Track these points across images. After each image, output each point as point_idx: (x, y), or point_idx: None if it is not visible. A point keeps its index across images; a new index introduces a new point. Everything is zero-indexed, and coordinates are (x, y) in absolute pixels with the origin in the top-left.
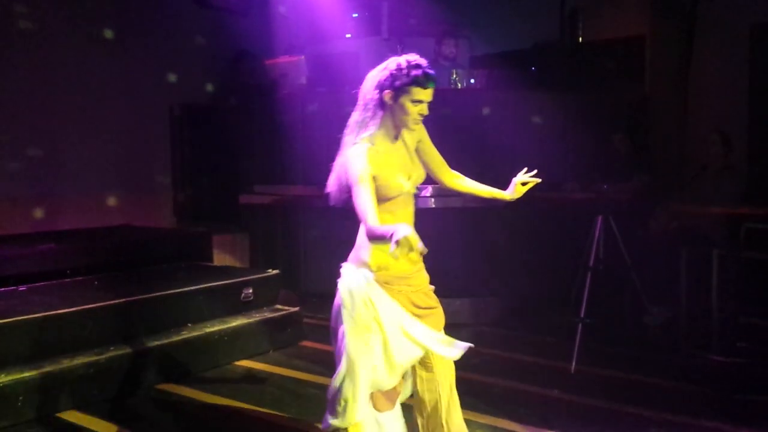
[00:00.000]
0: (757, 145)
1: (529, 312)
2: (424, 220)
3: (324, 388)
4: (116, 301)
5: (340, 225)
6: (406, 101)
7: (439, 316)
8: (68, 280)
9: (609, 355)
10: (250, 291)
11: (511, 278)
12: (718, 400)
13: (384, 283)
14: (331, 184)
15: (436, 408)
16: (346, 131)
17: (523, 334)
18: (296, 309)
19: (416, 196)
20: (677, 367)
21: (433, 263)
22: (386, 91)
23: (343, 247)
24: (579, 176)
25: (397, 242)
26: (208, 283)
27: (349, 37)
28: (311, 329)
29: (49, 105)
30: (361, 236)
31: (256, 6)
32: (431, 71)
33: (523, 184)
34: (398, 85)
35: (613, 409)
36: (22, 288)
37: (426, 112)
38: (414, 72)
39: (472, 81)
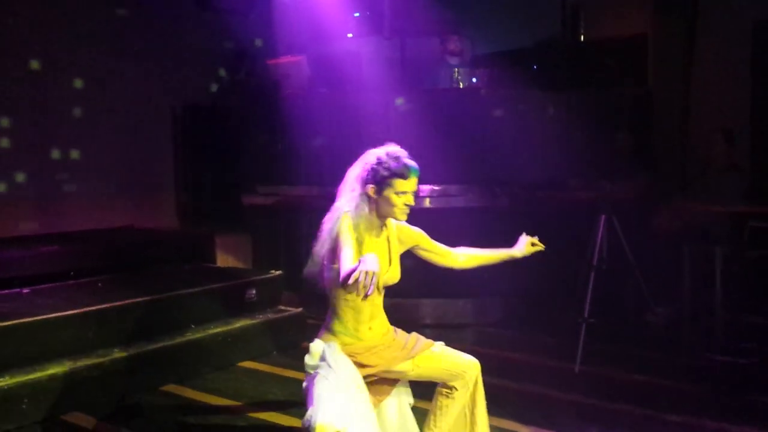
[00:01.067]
0: (761, 142)
1: (532, 312)
2: (424, 221)
3: None
4: (120, 302)
5: None
6: (390, 193)
7: (413, 343)
8: (72, 281)
9: (613, 355)
10: (253, 292)
11: (514, 278)
12: (721, 400)
13: (353, 354)
14: (319, 253)
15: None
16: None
17: (526, 334)
18: (299, 310)
19: (386, 292)
20: (681, 367)
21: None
22: (369, 186)
23: None
24: (581, 175)
25: (357, 278)
26: (211, 285)
27: (350, 37)
28: (314, 330)
29: (52, 107)
30: (328, 316)
31: (257, 6)
32: (412, 162)
33: (533, 244)
34: (380, 179)
35: (617, 409)
36: (26, 290)
37: (412, 202)
38: (394, 164)
39: (474, 80)
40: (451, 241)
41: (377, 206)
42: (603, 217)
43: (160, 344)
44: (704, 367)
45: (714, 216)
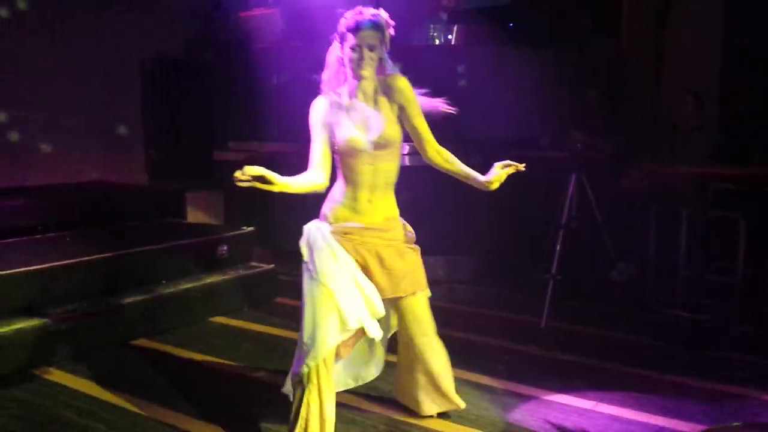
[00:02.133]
0: (728, 106)
1: (502, 269)
2: (399, 179)
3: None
4: (89, 257)
5: None
6: (346, 48)
7: (403, 280)
8: (39, 236)
9: (578, 311)
10: (225, 248)
11: (485, 236)
12: (681, 355)
13: (344, 234)
14: None
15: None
16: None
17: (495, 290)
18: (271, 266)
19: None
20: (643, 323)
21: (407, 221)
22: (336, 44)
23: (317, 204)
24: (554, 133)
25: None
26: (181, 240)
27: None
28: (286, 286)
29: (16, 57)
30: (331, 191)
31: None
32: (367, 16)
33: (506, 166)
34: (341, 36)
35: (581, 363)
36: None
37: (363, 56)
38: (349, 20)
39: (450, 37)
40: (425, 199)
41: (345, 64)
42: (573, 176)
43: (130, 299)
44: (666, 323)
45: (680, 177)
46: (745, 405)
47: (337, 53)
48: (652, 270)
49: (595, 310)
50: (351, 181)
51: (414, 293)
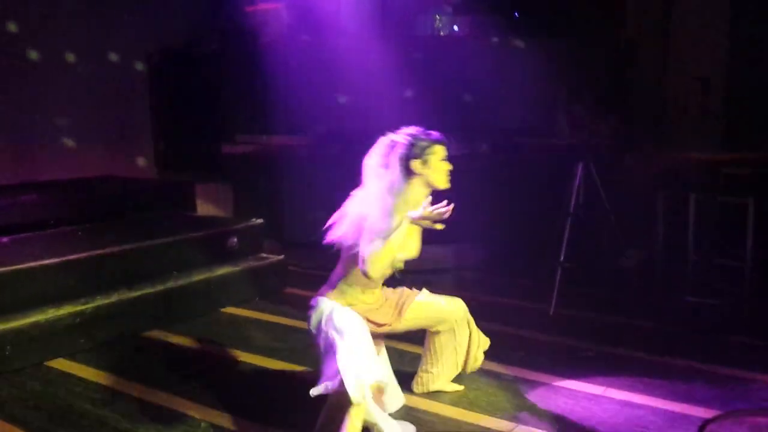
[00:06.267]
0: (736, 90)
1: (510, 257)
2: None
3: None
4: (101, 251)
5: (322, 174)
6: (436, 161)
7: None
8: (52, 230)
9: (587, 298)
10: (235, 240)
11: (493, 224)
12: (691, 340)
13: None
14: (345, 231)
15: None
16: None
17: (503, 278)
18: (281, 257)
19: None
20: (652, 308)
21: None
22: (413, 161)
23: (326, 196)
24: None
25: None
26: (192, 233)
27: None
28: (296, 277)
29: (23, 52)
30: (333, 277)
31: None
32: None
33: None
34: (421, 151)
35: (590, 349)
36: (4, 239)
37: (450, 167)
38: (432, 136)
39: (455, 28)
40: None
41: (420, 179)
42: (581, 164)
43: (143, 291)
44: (675, 308)
45: (689, 163)
46: (754, 389)
47: (414, 168)
48: (661, 255)
49: (603, 296)
50: (362, 285)
51: (415, 299)
